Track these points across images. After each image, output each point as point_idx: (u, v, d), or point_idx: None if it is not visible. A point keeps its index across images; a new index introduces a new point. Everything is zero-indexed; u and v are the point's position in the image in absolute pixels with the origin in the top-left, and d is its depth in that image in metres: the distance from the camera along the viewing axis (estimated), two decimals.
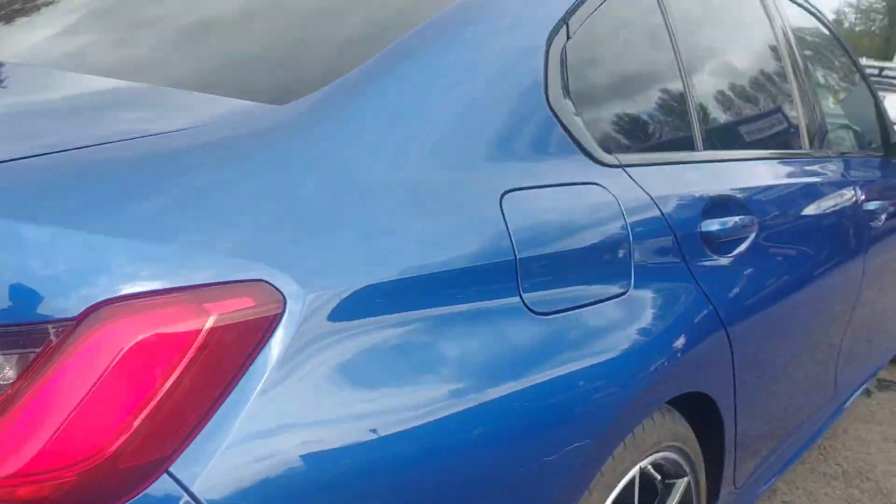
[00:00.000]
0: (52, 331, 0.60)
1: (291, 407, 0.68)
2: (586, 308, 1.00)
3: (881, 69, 10.39)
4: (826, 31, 2.24)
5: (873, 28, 74.39)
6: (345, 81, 0.89)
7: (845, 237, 1.87)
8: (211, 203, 0.71)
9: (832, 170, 1.90)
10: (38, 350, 0.60)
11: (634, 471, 1.12)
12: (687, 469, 1.27)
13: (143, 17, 1.27)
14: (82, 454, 0.59)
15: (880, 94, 8.02)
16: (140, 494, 0.61)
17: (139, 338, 0.62)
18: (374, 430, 0.74)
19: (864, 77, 2.44)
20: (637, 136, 1.29)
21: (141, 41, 1.17)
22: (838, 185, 1.87)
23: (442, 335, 0.82)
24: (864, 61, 16.19)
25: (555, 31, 1.11)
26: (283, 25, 1.14)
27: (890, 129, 2.43)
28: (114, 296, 0.62)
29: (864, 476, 2.35)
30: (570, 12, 1.14)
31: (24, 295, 0.61)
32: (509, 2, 1.10)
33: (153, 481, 0.61)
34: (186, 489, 0.62)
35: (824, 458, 2.47)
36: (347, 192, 0.79)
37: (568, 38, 1.12)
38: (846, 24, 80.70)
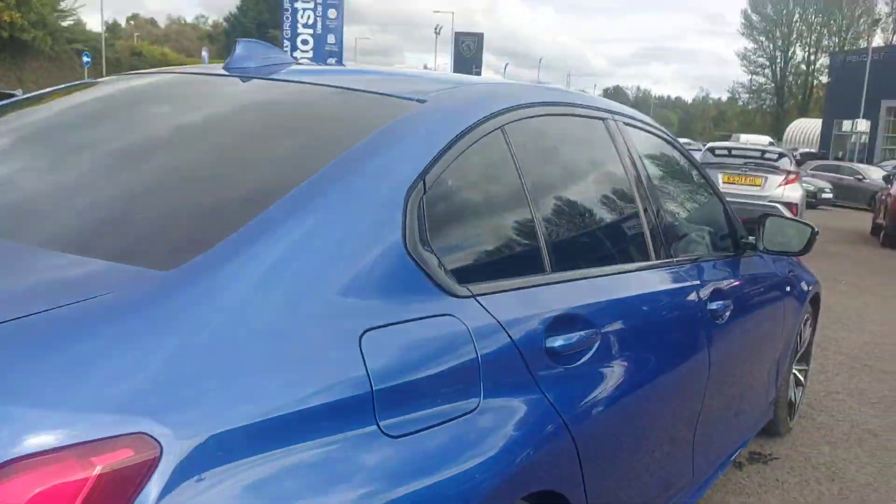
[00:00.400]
0: None
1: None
2: (439, 426, 1.18)
3: (762, 152, 11.32)
4: (673, 148, 2.56)
5: (764, 107, 79.74)
6: (215, 251, 1.05)
7: (692, 337, 2.13)
8: (96, 366, 0.86)
9: (678, 276, 2.16)
10: None
11: None
12: None
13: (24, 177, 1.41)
14: None
15: (761, 175, 8.77)
16: None
17: (36, 490, 0.75)
18: None
19: (712, 185, 2.77)
20: (489, 266, 1.50)
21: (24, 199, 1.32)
22: (681, 290, 2.14)
23: (304, 468, 0.97)
24: (750, 139, 17.46)
25: (414, 185, 1.31)
26: (162, 194, 1.30)
27: (738, 229, 2.76)
28: (12, 457, 0.75)
29: None
30: (427, 170, 1.35)
31: None
32: (374, 164, 1.30)
33: None
34: None
35: None
36: (215, 348, 0.96)
37: (425, 190, 1.33)
38: (739, 103, 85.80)
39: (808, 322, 3.74)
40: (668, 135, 2.55)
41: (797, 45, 70.18)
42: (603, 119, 2.09)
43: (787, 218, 2.81)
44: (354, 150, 1.31)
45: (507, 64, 68.69)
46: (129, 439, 0.82)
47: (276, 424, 0.96)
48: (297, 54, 22.49)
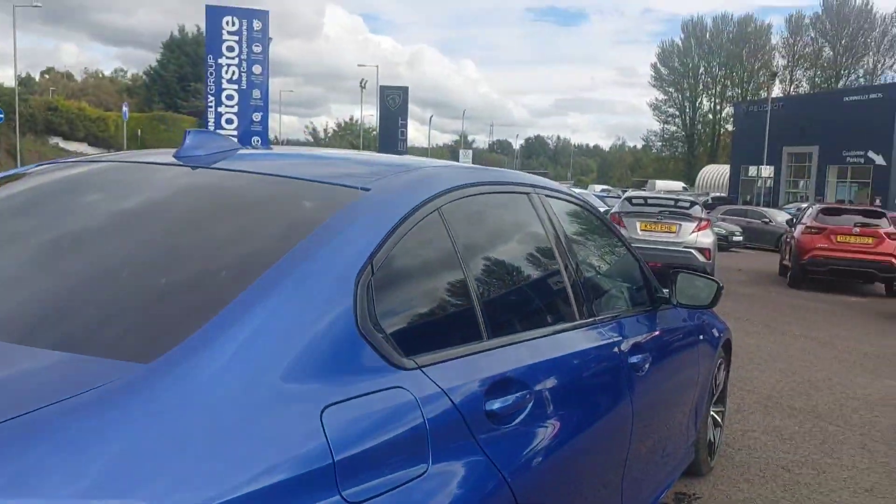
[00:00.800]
0: None
1: None
2: (393, 491, 1.30)
3: (675, 201, 11.95)
4: (589, 214, 2.79)
5: (676, 153, 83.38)
6: (185, 345, 1.17)
7: (615, 389, 2.32)
8: (87, 456, 0.96)
9: (601, 334, 2.36)
10: None
11: None
12: None
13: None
14: None
15: (675, 222, 9.28)
16: None
17: None
18: None
19: (627, 245, 3.02)
20: (432, 338, 1.64)
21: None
22: (606, 347, 2.34)
23: None
24: (663, 187, 18.30)
25: (362, 270, 1.46)
26: (130, 289, 1.41)
27: (652, 287, 3.00)
28: None
29: None
30: (374, 254, 1.50)
31: None
32: (328, 251, 1.44)
33: None
34: None
35: None
36: (195, 432, 1.07)
37: (372, 273, 1.48)
38: (653, 150, 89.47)
39: (722, 366, 4.02)
40: (583, 202, 2.79)
41: (703, 95, 74.34)
42: (527, 193, 2.29)
43: (697, 274, 3.06)
44: (307, 241, 1.44)
45: (431, 115, 69.91)
46: None
47: (247, 497, 1.07)
48: (222, 109, 22.42)
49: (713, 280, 2.98)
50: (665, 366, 2.84)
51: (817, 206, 14.07)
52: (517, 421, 1.70)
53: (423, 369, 1.50)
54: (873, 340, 8.26)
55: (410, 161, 2.05)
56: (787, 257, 14.01)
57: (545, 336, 2.05)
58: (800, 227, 13.17)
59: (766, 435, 4.62)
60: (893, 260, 11.83)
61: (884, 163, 37.71)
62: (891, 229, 12.55)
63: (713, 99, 73.86)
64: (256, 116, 21.41)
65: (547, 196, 2.41)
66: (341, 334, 1.35)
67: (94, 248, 1.59)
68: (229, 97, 22.46)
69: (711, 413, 3.87)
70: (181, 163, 1.92)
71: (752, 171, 41.99)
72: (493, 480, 1.55)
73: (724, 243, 19.30)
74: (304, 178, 1.80)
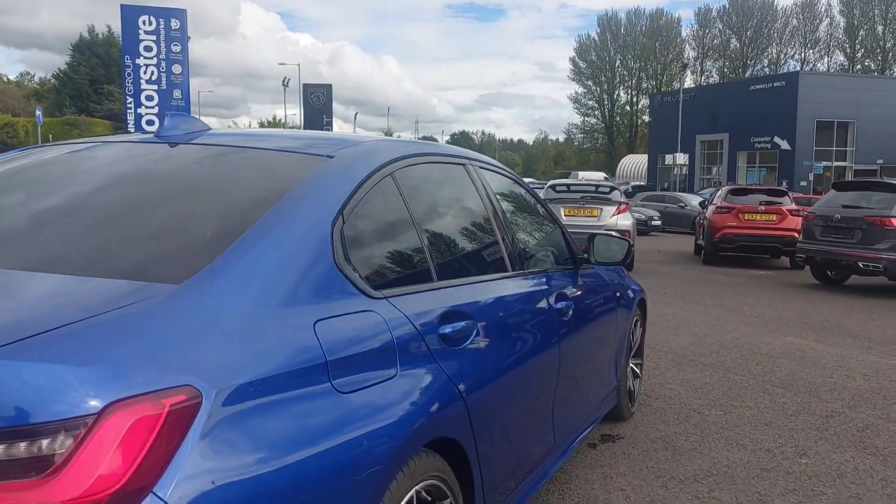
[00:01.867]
0: (85, 421, 1.11)
1: (210, 452, 1.24)
2: (373, 387, 1.64)
3: (596, 186, 12.60)
4: (518, 186, 3.19)
5: (597, 145, 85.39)
6: (210, 268, 1.48)
7: (544, 329, 2.71)
8: (156, 345, 1.27)
9: (530, 283, 2.75)
10: (82, 430, 1.11)
11: (411, 493, 1.74)
12: (448, 493, 1.91)
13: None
14: (112, 482, 1.10)
15: (597, 206, 9.89)
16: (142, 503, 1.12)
17: (133, 419, 1.15)
18: (251, 468, 1.30)
19: (551, 213, 3.42)
20: (393, 277, 1.99)
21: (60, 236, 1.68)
22: (535, 294, 2.73)
23: (287, 410, 1.41)
24: (584, 176, 19.18)
25: (335, 218, 1.79)
26: (157, 232, 1.71)
27: (573, 249, 3.41)
28: (117, 398, 1.15)
29: None
30: (343, 207, 1.83)
31: (72, 401, 1.12)
32: (308, 202, 1.76)
33: (146, 497, 1.13)
34: (163, 500, 1.15)
35: (560, 495, 3.25)
36: (227, 329, 1.38)
37: (343, 222, 1.81)
38: (575, 143, 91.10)
39: (639, 323, 4.49)
40: (513, 175, 3.18)
41: (620, 88, 76.77)
42: (463, 164, 2.66)
43: (611, 235, 3.50)
44: (290, 195, 1.77)
45: (356, 112, 69.69)
46: (183, 389, 1.23)
47: (265, 381, 1.39)
48: (142, 110, 22.03)
49: (624, 239, 3.42)
50: (586, 315, 3.26)
51: (726, 188, 15.00)
52: (465, 345, 2.07)
53: (388, 299, 1.84)
54: (777, 306, 9.01)
55: (363, 136, 2.38)
56: (700, 237, 14.91)
57: (483, 282, 2.42)
58: (711, 208, 14.05)
59: (680, 386, 5.15)
60: (795, 234, 12.75)
61: (788, 147, 39.95)
62: (793, 206, 13.54)
63: (630, 91, 76.43)
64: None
65: (480, 167, 2.78)
66: (323, 267, 1.68)
67: (117, 202, 1.87)
68: (149, 98, 22.09)
69: (630, 365, 4.34)
70: (163, 141, 2.21)
71: (669, 159, 43.72)
72: (448, 388, 1.91)
73: (643, 227, 20.26)
74: (277, 149, 2.12)
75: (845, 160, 40.89)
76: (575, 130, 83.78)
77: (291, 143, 2.26)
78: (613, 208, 11.76)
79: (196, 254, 1.56)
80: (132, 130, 33.22)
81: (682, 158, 41.09)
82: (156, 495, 1.14)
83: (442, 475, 1.88)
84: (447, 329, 2.00)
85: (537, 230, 3.29)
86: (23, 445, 1.07)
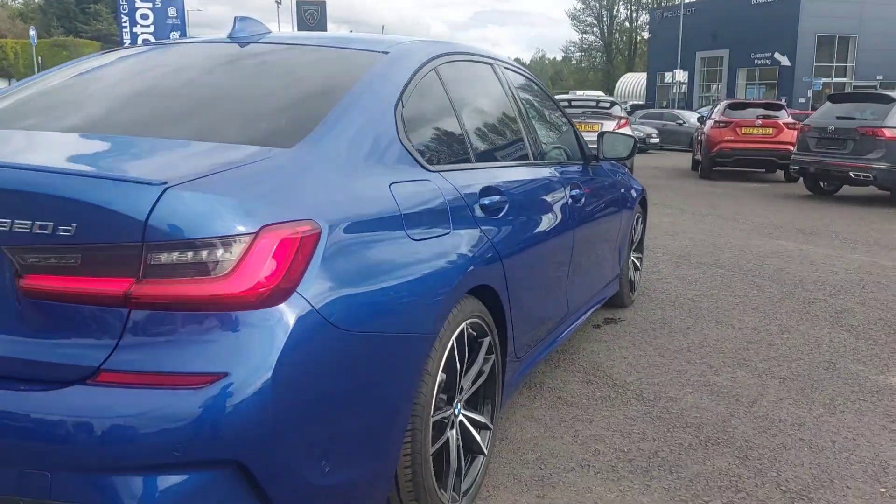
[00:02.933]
0: (248, 237, 1.50)
1: (328, 270, 1.64)
2: (434, 238, 2.04)
3: (597, 101, 12.82)
4: (537, 87, 3.53)
5: (595, 63, 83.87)
6: (311, 137, 1.86)
7: (561, 212, 3.10)
8: (289, 190, 1.66)
9: (550, 173, 3.14)
10: (245, 243, 1.50)
11: (463, 325, 2.16)
12: (487, 331, 2.34)
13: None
14: (269, 283, 1.50)
15: (598, 121, 10.18)
16: (289, 298, 1.53)
17: (279, 239, 1.54)
18: (355, 285, 1.71)
19: (566, 115, 3.77)
20: (441, 155, 2.37)
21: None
22: (553, 181, 3.12)
23: (373, 248, 1.80)
24: (585, 94, 19.22)
25: (397, 103, 2.15)
26: (263, 108, 2.08)
27: (584, 147, 3.78)
28: (266, 223, 1.54)
29: (596, 370, 3.63)
30: (402, 93, 2.19)
31: (238, 223, 1.51)
32: (376, 88, 2.12)
33: (292, 295, 1.54)
34: (305, 298, 1.56)
35: (569, 362, 3.73)
36: (330, 182, 1.77)
37: (403, 106, 2.17)
38: (573, 61, 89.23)
39: (640, 220, 4.90)
40: (533, 77, 3.51)
41: (620, 3, 75.11)
42: (490, 64, 3.00)
43: (618, 133, 3.85)
44: (362, 81, 2.12)
45: (350, 30, 68.27)
46: (309, 222, 1.61)
47: (360, 223, 1.78)
48: (138, 29, 21.82)
49: (630, 136, 3.78)
50: (595, 205, 3.66)
51: (724, 102, 15.19)
52: (498, 215, 2.46)
53: (440, 173, 2.23)
54: (770, 214, 9.43)
55: (405, 37, 2.71)
56: (698, 152, 15.20)
57: (511, 167, 2.81)
58: (709, 123, 14.30)
59: (676, 280, 5.60)
60: (791, 148, 13.04)
61: (789, 63, 39.65)
62: (789, 120, 13.80)
63: (629, 6, 74.79)
64: (175, 35, 20.97)
65: (505, 68, 3.12)
66: (392, 141, 2.06)
67: (225, 88, 2.24)
68: (144, 16, 21.84)
69: (632, 258, 4.77)
70: (235, 41, 2.54)
71: (668, 77, 43.40)
72: (486, 245, 2.31)
73: (641, 145, 20.48)
74: (338, 46, 2.46)
75: (845, 76, 40.66)
76: (573, 49, 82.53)
77: (349, 42, 2.59)
78: (614, 123, 12.02)
79: (297, 126, 1.92)
80: None
81: (681, 76, 40.81)
82: (298, 294, 1.55)
83: (483, 316, 2.30)
84: (486, 201, 2.39)
85: (553, 127, 3.64)
86: (205, 252, 1.46)
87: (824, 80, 39.75)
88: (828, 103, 11.70)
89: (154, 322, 1.46)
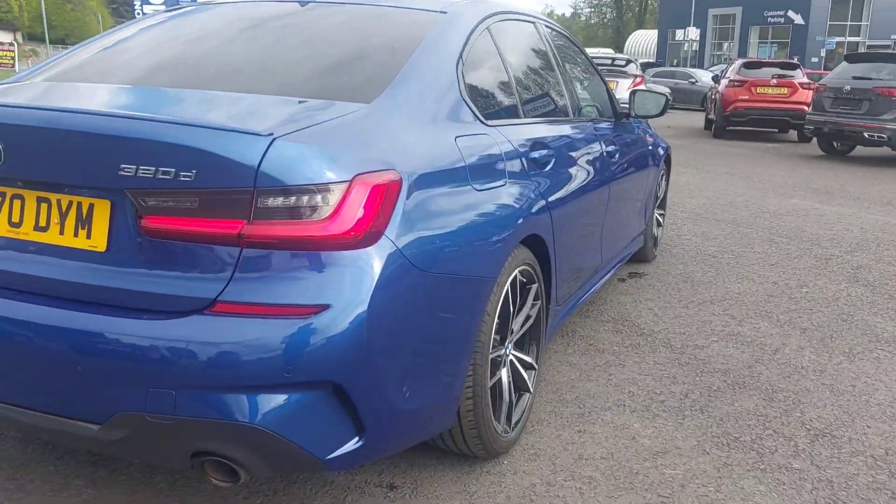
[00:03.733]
0: (344, 185, 1.65)
1: (409, 217, 1.79)
2: (492, 189, 2.19)
3: (612, 60, 12.80)
4: (573, 45, 3.64)
5: (605, 20, 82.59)
6: (386, 92, 1.99)
7: (598, 166, 3.24)
8: (374, 144, 1.81)
9: (588, 129, 3.27)
10: (339, 191, 1.65)
11: (515, 272, 2.32)
12: (535, 279, 2.51)
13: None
14: (364, 225, 1.66)
15: (613, 79, 10.24)
16: (377, 242, 1.69)
17: (370, 187, 1.69)
18: (433, 230, 1.86)
19: (598, 72, 3.88)
20: (496, 111, 2.50)
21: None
22: (593, 137, 3.25)
23: (446, 195, 1.95)
24: (599, 52, 19.11)
25: (458, 60, 2.28)
26: (338, 65, 2.21)
27: (615, 105, 3.89)
28: (359, 172, 1.69)
29: (624, 320, 3.81)
30: (461, 51, 2.32)
31: (332, 173, 1.66)
32: (439, 46, 2.25)
33: (381, 237, 1.70)
34: (391, 241, 1.72)
35: (598, 312, 3.90)
36: (407, 135, 1.92)
37: (462, 64, 2.30)
38: (582, 18, 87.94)
39: (664, 177, 5.03)
40: (570, 35, 3.62)
41: None
42: (533, 23, 3.11)
43: (650, 91, 3.96)
44: (426, 39, 2.25)
45: None
46: (392, 172, 1.77)
47: (434, 174, 1.93)
48: None
49: (662, 94, 3.89)
50: (627, 161, 3.79)
51: (739, 61, 15.13)
52: (546, 168, 2.61)
53: (496, 127, 2.36)
54: (784, 174, 9.53)
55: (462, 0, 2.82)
56: (712, 111, 15.19)
57: (555, 123, 2.94)
58: (724, 82, 14.27)
59: (696, 237, 5.75)
60: (806, 108, 13.06)
61: (802, 22, 39.12)
62: (804, 80, 13.77)
63: None
64: None
65: (545, 26, 3.23)
66: (455, 97, 2.19)
67: (297, 45, 2.37)
68: None
69: (656, 214, 4.91)
70: (299, 0, 2.67)
71: (679, 34, 42.87)
72: (537, 195, 2.46)
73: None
74: (397, 6, 2.58)
75: (858, 35, 40.12)
76: (582, 4, 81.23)
77: (405, 1, 2.70)
78: (629, 81, 12.06)
79: (373, 82, 2.06)
80: (139, 7, 32.48)
81: (693, 32, 40.31)
82: (386, 236, 1.71)
83: (532, 264, 2.46)
84: (535, 154, 2.54)
85: (588, 84, 3.76)
86: (306, 197, 1.62)
87: (837, 39, 39.27)
88: (844, 63, 11.68)
89: (263, 259, 1.62)
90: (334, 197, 1.64)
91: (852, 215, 6.77)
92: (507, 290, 2.26)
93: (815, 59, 37.41)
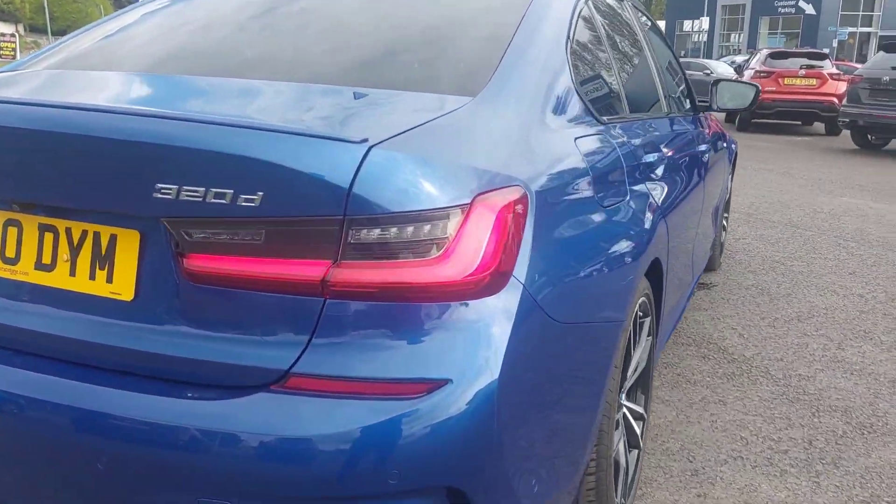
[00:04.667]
0: (462, 209, 1.17)
1: (540, 244, 1.32)
2: (618, 204, 1.72)
3: None
4: (656, 27, 3.15)
5: None
6: (494, 81, 1.51)
7: (697, 167, 2.78)
8: (490, 151, 1.33)
9: (685, 125, 2.79)
10: (457, 219, 1.18)
11: (636, 307, 1.85)
12: (649, 310, 2.04)
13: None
14: (490, 264, 1.19)
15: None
16: (507, 284, 1.22)
17: (496, 211, 1.21)
18: (564, 256, 1.40)
19: (677, 58, 3.40)
20: (605, 106, 2.02)
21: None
22: (690, 135, 2.77)
23: (572, 216, 1.48)
24: None
25: (567, 42, 1.80)
26: (437, 52, 1.71)
27: (693, 93, 3.41)
28: (482, 191, 1.22)
29: (707, 343, 3.34)
30: (569, 32, 1.83)
31: (447, 194, 1.19)
32: (545, 25, 1.76)
33: (510, 279, 1.23)
34: (522, 284, 1.24)
35: (676, 333, 3.43)
36: (524, 139, 1.44)
37: (571, 47, 1.82)
38: None
39: (730, 177, 4.55)
40: (651, 19, 3.13)
41: None
42: (621, 1, 2.63)
43: (737, 81, 3.48)
44: (529, 13, 1.76)
45: None
46: (517, 188, 1.29)
47: (559, 186, 1.46)
48: None
49: (753, 85, 3.40)
50: (712, 160, 3.31)
51: (766, 51, 14.58)
52: (658, 173, 2.13)
53: (609, 125, 1.89)
54: (823, 169, 9.03)
55: None
56: None
57: (657, 119, 2.47)
58: (749, 73, 13.72)
59: (756, 241, 5.27)
60: (835, 100, 12.55)
61: (813, 11, 38.49)
62: (833, 70, 13.24)
63: None
64: None
65: (633, 6, 2.74)
66: (567, 85, 1.71)
67: (385, 26, 1.86)
68: None
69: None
70: None
71: (687, 25, 42.24)
72: (655, 210, 1.99)
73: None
74: None
75: (871, 25, 39.49)
76: None
77: None
78: None
79: (473, 70, 1.58)
80: None
81: (704, 23, 39.67)
82: (515, 278, 1.24)
83: (648, 293, 1.99)
84: (650, 158, 2.06)
85: (673, 73, 3.28)
86: (413, 229, 1.14)
87: (850, 29, 38.64)
88: (881, 53, 11.15)
89: (355, 315, 1.16)
90: (451, 227, 1.17)
91: None
92: (630, 332, 1.80)
93: (825, 50, 36.79)
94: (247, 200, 1.12)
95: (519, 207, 1.28)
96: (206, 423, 1.14)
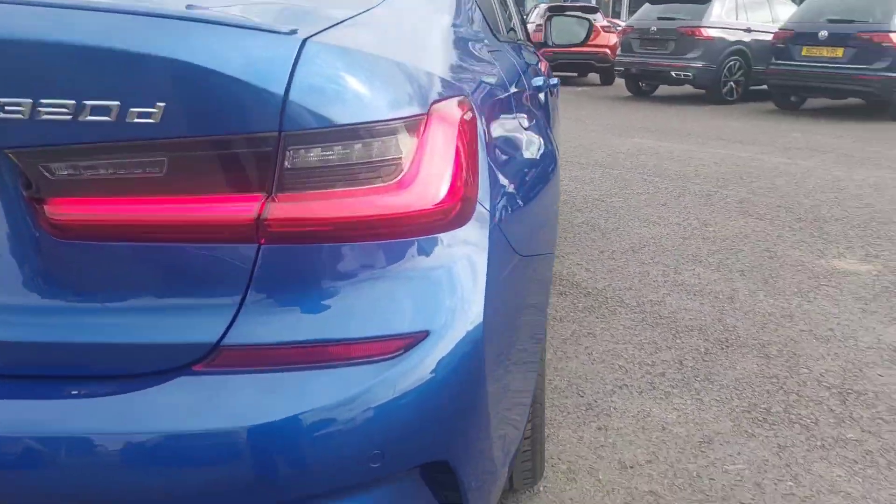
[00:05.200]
0: (420, 121, 0.94)
1: (492, 164, 1.12)
2: (532, 126, 1.56)
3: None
4: None
5: None
6: None
7: (552, 94, 2.70)
8: (433, 50, 1.09)
9: (533, 53, 2.69)
10: (415, 133, 0.94)
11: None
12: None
13: None
14: (456, 189, 0.96)
15: None
16: (475, 212, 1.01)
17: (455, 124, 0.98)
18: (514, 186, 1.21)
19: None
20: (496, 29, 1.85)
21: None
22: (539, 63, 2.68)
23: (504, 137, 1.30)
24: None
25: None
26: None
27: (527, 30, 3.35)
28: (436, 99, 0.98)
29: (558, 279, 3.34)
30: None
31: (401, 101, 0.94)
32: None
33: (476, 207, 1.02)
34: (487, 210, 1.04)
35: None
36: (450, 41, 1.22)
37: None
38: None
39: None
40: None
41: None
42: None
43: (568, 15, 3.46)
44: None
45: None
46: (465, 97, 1.07)
47: (491, 100, 1.26)
48: None
49: (586, 18, 3.40)
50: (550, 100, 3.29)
51: (543, 6, 15.26)
52: (539, 96, 2.01)
53: (503, 42, 1.72)
54: (608, 116, 9.64)
55: None
56: None
57: (518, 44, 2.34)
58: (531, 27, 14.29)
59: (573, 182, 5.45)
60: (608, 51, 13.46)
61: None
62: (605, 23, 14.16)
63: None
64: None
65: None
66: (472, 2, 1.51)
67: None
68: None
69: None
70: None
71: None
72: (547, 122, 1.87)
73: None
74: None
75: None
76: None
77: None
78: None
79: None
80: None
81: None
82: (480, 205, 1.03)
83: None
84: (536, 81, 1.93)
85: (518, 3, 3.18)
86: (362, 146, 0.88)
87: None
88: (647, 5, 12.07)
89: (301, 263, 0.89)
90: (410, 143, 0.93)
91: (697, 151, 6.87)
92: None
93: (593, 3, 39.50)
94: (140, 116, 0.79)
95: (471, 119, 1.06)
96: (102, 426, 0.82)
